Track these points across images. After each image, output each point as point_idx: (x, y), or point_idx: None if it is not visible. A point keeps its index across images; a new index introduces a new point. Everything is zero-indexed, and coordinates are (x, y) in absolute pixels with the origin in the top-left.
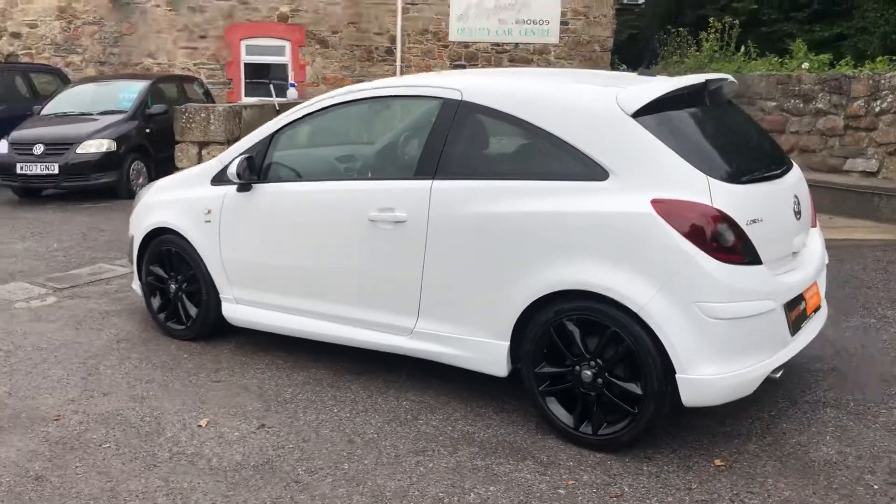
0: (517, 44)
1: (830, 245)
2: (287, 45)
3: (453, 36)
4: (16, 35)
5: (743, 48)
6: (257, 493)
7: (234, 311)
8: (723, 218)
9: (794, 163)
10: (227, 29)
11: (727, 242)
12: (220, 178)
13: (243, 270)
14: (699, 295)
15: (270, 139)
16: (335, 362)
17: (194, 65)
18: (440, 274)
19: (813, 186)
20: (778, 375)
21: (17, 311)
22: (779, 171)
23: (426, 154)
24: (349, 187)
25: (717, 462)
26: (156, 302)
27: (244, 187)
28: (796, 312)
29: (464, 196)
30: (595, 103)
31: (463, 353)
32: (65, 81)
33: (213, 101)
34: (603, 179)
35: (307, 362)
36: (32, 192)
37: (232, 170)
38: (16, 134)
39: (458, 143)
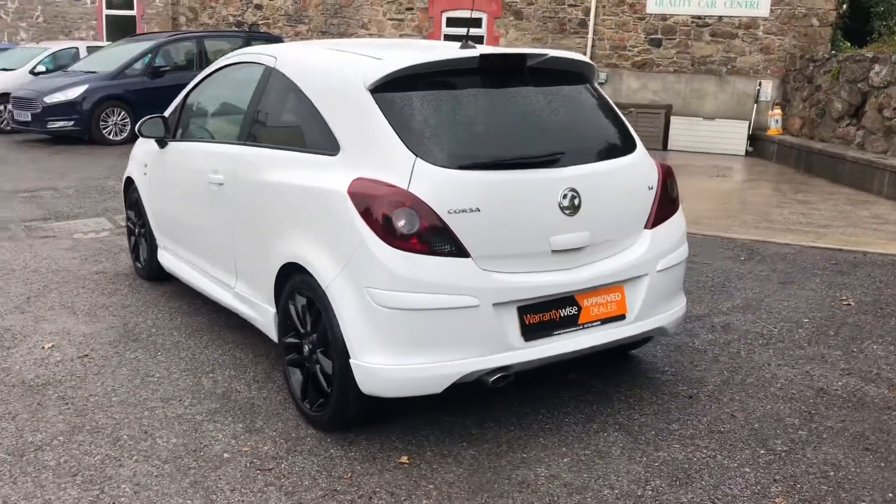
0: (721, 17)
1: None
2: (484, 16)
3: (651, 8)
4: (258, 7)
5: None
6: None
7: (161, 256)
8: (411, 203)
9: (633, 158)
10: (430, 1)
11: (409, 229)
12: None
13: (160, 220)
14: (370, 280)
15: (183, 102)
16: (225, 315)
17: (400, 35)
18: (240, 238)
19: None
20: (492, 380)
21: (69, 240)
22: (544, 161)
23: (245, 120)
24: (202, 149)
25: (403, 459)
26: (131, 241)
27: (161, 144)
28: (544, 317)
29: (254, 163)
30: (344, 76)
31: (256, 316)
32: None
33: None
34: (335, 154)
35: (205, 311)
36: None
37: (138, 127)
38: None
39: (264, 110)
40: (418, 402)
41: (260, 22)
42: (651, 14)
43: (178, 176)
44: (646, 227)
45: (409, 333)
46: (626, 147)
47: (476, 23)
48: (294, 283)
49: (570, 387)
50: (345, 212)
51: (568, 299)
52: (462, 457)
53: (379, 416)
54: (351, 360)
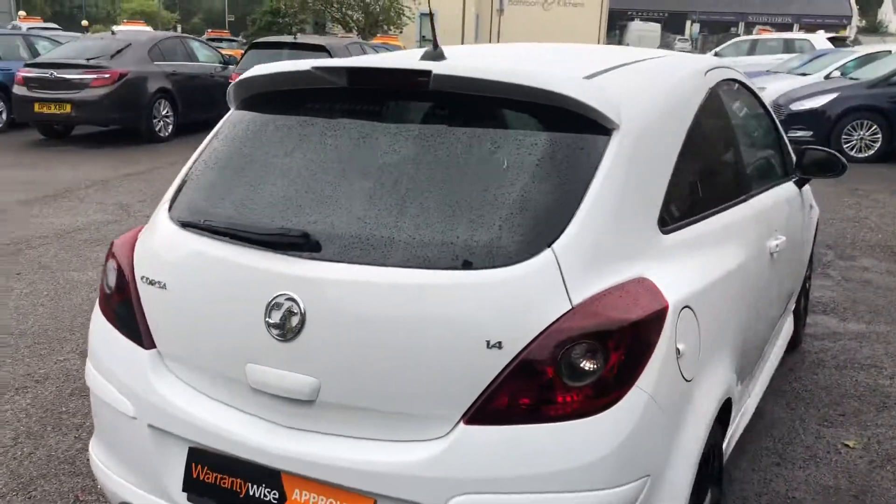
0: None
1: None
2: None
3: None
4: None
5: None
6: None
7: None
8: (118, 256)
9: (476, 278)
10: None
11: (108, 289)
12: None
13: None
14: None
15: None
16: None
17: None
18: None
19: None
20: None
21: None
22: (267, 240)
23: None
24: None
25: None
26: None
27: None
28: (222, 481)
29: None
30: None
31: None
32: None
33: None
34: None
35: None
36: None
37: None
38: None
39: None
40: None
41: None
42: None
43: None
44: (462, 419)
45: (96, 422)
46: (493, 258)
47: None
48: None
49: None
50: None
51: (265, 473)
52: None
53: None
54: None
